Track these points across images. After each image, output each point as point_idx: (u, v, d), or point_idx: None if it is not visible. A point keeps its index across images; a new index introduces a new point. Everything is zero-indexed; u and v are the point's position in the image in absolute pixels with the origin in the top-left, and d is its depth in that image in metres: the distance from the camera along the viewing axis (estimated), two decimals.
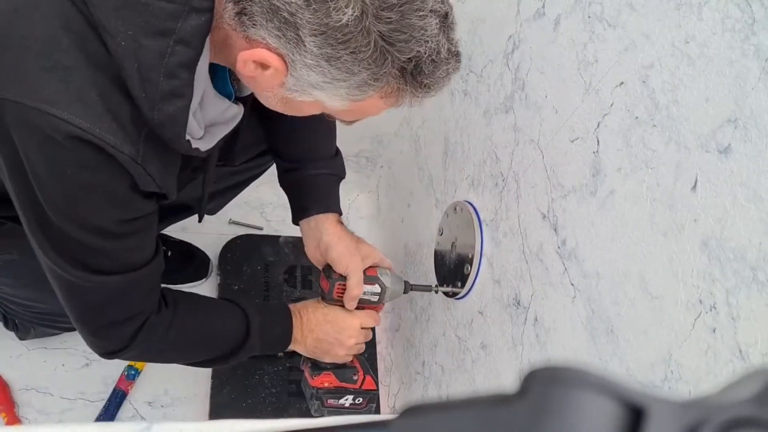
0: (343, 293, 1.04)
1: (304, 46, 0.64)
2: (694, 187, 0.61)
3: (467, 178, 1.17)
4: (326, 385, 1.06)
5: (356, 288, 1.03)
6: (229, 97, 0.80)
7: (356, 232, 1.71)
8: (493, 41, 1.08)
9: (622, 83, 0.73)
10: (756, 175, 0.54)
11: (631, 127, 0.71)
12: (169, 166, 0.74)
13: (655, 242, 0.66)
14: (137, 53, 0.63)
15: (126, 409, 1.33)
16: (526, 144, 0.95)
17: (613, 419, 0.19)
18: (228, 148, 0.98)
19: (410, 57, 0.66)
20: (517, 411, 0.20)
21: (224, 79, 0.79)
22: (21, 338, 1.32)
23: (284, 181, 1.13)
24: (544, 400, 0.19)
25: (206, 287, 1.51)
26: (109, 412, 1.29)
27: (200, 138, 0.75)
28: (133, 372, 1.35)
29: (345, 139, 1.66)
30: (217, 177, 1.06)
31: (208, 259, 1.51)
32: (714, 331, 0.58)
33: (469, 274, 1.10)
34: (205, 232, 1.57)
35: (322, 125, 1.03)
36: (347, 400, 1.07)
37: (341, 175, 1.13)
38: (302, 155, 1.09)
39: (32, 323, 1.28)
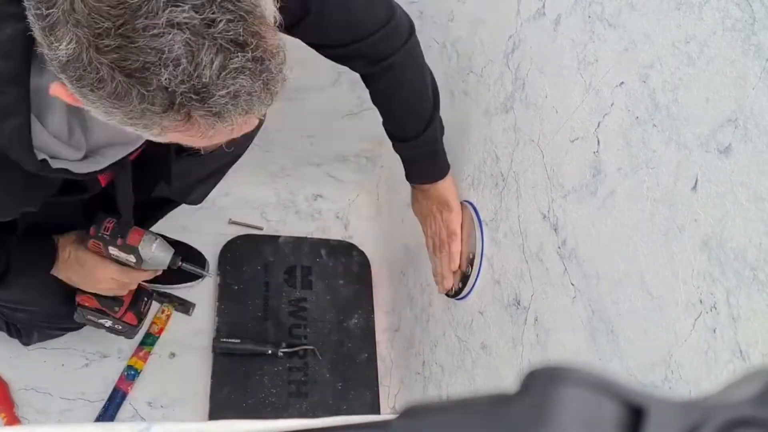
0: (97, 249, 1.07)
1: (65, 83, 0.57)
2: (695, 187, 0.61)
3: (467, 178, 1.17)
4: (86, 304, 1.17)
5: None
6: None
7: (356, 231, 1.72)
8: (493, 41, 1.08)
9: (622, 83, 0.73)
10: (756, 175, 0.54)
11: (631, 127, 0.71)
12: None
13: (656, 242, 0.66)
14: None
15: (126, 409, 1.33)
16: (526, 144, 0.95)
17: (613, 419, 0.19)
18: (162, 163, 1.00)
19: (157, 86, 0.53)
20: (517, 411, 0.20)
21: None
22: (25, 344, 1.32)
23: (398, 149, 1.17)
24: (543, 400, 0.19)
25: (205, 287, 1.51)
26: (108, 413, 1.29)
27: (80, 160, 0.71)
28: (132, 372, 1.35)
29: (345, 139, 1.67)
30: (187, 168, 1.08)
31: (205, 259, 1.51)
32: (714, 331, 0.57)
33: (469, 275, 1.09)
34: (206, 232, 1.57)
35: (410, 114, 1.11)
36: (106, 322, 1.19)
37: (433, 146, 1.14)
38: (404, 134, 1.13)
39: (33, 327, 1.28)
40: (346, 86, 1.51)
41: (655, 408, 0.19)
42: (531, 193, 0.93)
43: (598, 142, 0.77)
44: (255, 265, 1.55)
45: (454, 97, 1.26)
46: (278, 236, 1.61)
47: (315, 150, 1.66)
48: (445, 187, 1.15)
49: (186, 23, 0.52)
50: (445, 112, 1.31)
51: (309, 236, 1.65)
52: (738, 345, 0.55)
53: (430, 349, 1.29)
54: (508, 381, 0.96)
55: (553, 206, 0.86)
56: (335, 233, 1.70)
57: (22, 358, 1.33)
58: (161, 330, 1.43)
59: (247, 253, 1.56)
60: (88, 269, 1.06)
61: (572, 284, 0.80)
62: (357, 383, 1.44)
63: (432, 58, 1.39)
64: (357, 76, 1.48)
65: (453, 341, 1.17)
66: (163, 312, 1.44)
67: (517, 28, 0.99)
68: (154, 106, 0.55)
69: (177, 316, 1.46)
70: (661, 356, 0.64)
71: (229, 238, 1.57)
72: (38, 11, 0.52)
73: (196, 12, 0.52)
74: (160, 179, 1.08)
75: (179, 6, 0.51)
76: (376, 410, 1.41)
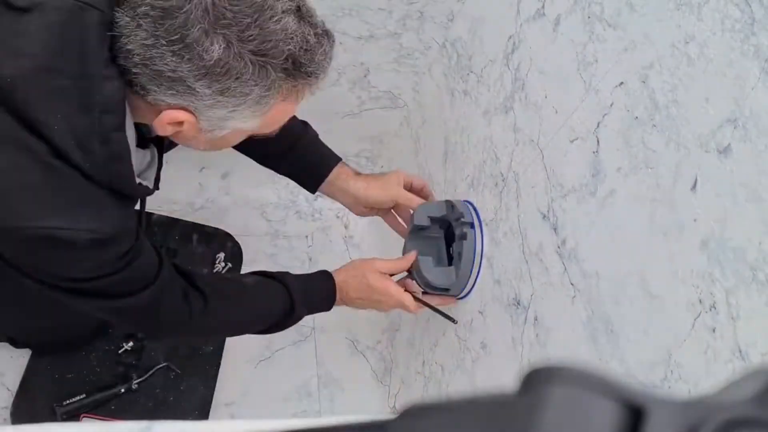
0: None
1: (197, 91, 0.72)
2: (694, 187, 0.61)
3: (467, 178, 1.17)
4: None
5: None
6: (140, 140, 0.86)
7: (356, 231, 1.72)
8: (493, 41, 1.08)
9: (621, 83, 0.73)
10: (756, 175, 0.54)
11: (630, 127, 0.71)
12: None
13: (655, 242, 0.66)
14: (73, 131, 0.70)
15: None
16: (526, 144, 0.95)
17: (612, 419, 0.19)
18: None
19: (285, 57, 0.73)
20: (517, 411, 0.20)
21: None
22: (40, 355, 1.29)
23: (281, 168, 1.20)
24: (543, 399, 0.19)
25: None
26: None
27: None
28: None
29: (345, 139, 1.67)
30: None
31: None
32: (714, 330, 0.58)
33: (469, 275, 1.09)
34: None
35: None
36: None
37: (315, 133, 1.21)
38: (283, 151, 1.17)
39: (38, 341, 1.27)
40: (346, 86, 1.51)
41: (655, 408, 0.19)
42: (531, 193, 0.93)
43: (598, 142, 0.77)
44: None
45: (454, 97, 1.26)
46: (152, 213, 1.52)
47: None
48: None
49: (289, 9, 0.72)
50: (445, 112, 1.31)
51: (183, 218, 1.56)
52: (737, 344, 0.55)
53: (430, 349, 1.29)
54: (508, 381, 0.96)
55: (552, 206, 0.86)
56: (336, 233, 1.70)
57: (24, 358, 1.32)
58: None
59: None
60: (375, 296, 1.12)
61: (572, 284, 0.80)
62: (192, 376, 1.36)
63: (432, 58, 1.40)
64: (357, 76, 1.48)
65: (453, 341, 1.17)
66: None
67: (517, 28, 0.99)
68: (280, 74, 0.74)
69: None
70: (660, 356, 0.64)
71: None
72: (176, 37, 0.68)
73: (290, 1, 0.73)
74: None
75: None
76: (207, 406, 1.35)
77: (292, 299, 1.05)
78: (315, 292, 1.10)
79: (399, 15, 1.30)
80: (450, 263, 1.13)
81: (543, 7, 0.92)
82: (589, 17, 0.80)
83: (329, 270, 1.13)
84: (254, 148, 1.16)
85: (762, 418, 0.20)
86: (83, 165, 0.72)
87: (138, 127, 0.82)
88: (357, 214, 1.22)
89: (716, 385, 0.24)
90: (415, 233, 1.15)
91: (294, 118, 1.16)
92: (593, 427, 0.19)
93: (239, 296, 1.03)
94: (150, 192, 0.88)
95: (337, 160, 1.18)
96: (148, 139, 0.88)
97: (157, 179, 0.99)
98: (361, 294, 1.12)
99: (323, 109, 1.55)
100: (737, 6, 0.57)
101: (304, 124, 1.18)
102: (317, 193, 1.20)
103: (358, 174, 1.18)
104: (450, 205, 1.12)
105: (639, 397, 0.20)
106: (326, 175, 1.16)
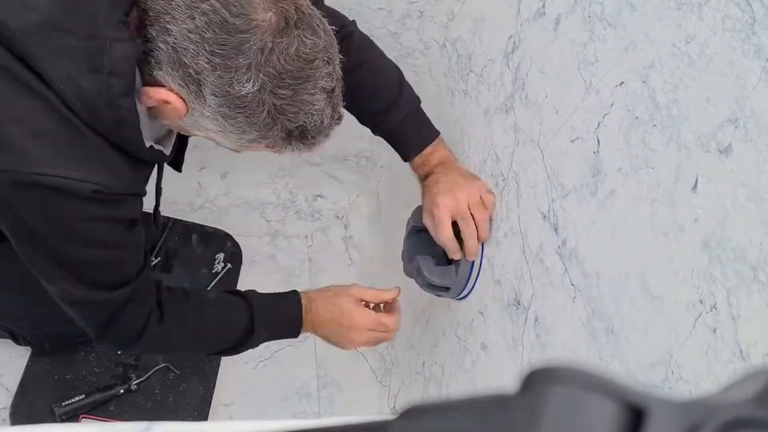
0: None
1: (205, 100, 0.73)
2: (695, 187, 0.61)
3: None
4: None
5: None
6: None
7: (356, 231, 1.72)
8: (494, 41, 1.08)
9: (622, 83, 0.73)
10: (756, 175, 0.54)
11: (631, 127, 0.71)
12: (136, 172, 0.81)
13: (656, 242, 0.66)
14: (80, 93, 0.69)
15: None
16: (526, 144, 0.95)
17: (613, 419, 0.19)
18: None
19: (297, 125, 0.77)
20: (517, 411, 0.20)
21: None
22: (40, 354, 1.30)
23: (377, 131, 1.13)
24: (543, 400, 0.19)
25: None
26: None
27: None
28: None
29: (344, 139, 1.67)
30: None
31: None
32: (714, 331, 0.57)
33: (470, 272, 1.09)
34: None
35: (381, 76, 1.08)
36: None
37: (416, 104, 1.10)
38: (380, 108, 1.08)
39: (37, 337, 1.27)
40: None
41: (656, 408, 0.19)
42: (531, 193, 0.93)
43: (598, 142, 0.77)
44: None
45: (454, 96, 1.26)
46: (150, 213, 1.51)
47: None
48: (448, 153, 1.09)
49: (326, 88, 0.76)
50: (445, 111, 1.31)
51: (183, 218, 1.54)
52: (738, 345, 0.55)
53: (430, 349, 1.28)
54: (508, 381, 0.96)
55: (553, 206, 0.86)
56: (336, 233, 1.70)
57: (24, 359, 1.32)
58: None
59: None
60: (346, 321, 1.04)
61: (572, 284, 0.80)
62: (191, 376, 1.36)
63: (432, 58, 1.40)
64: None
65: (453, 341, 1.17)
66: None
67: (517, 28, 0.99)
68: (283, 134, 0.77)
69: None
70: (661, 356, 0.64)
71: None
72: (221, 52, 0.69)
73: (331, 82, 0.76)
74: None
75: (327, 78, 0.76)
76: (206, 406, 1.35)
77: (252, 320, 0.98)
78: (278, 312, 1.02)
79: (399, 15, 1.30)
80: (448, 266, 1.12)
81: (543, 6, 0.92)
82: (589, 17, 0.80)
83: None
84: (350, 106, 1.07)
85: (762, 418, 0.20)
86: (91, 125, 0.72)
87: None
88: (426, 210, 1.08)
89: (717, 385, 0.23)
90: (413, 235, 1.15)
91: (393, 72, 1.09)
92: (594, 427, 0.19)
93: (198, 321, 0.97)
94: (165, 157, 0.87)
95: (436, 134, 1.10)
96: None
97: (180, 157, 0.97)
98: (330, 314, 1.03)
99: None
100: (738, 5, 0.57)
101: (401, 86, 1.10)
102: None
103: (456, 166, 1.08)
104: None
105: (639, 398, 0.19)
106: (419, 150, 1.08)
